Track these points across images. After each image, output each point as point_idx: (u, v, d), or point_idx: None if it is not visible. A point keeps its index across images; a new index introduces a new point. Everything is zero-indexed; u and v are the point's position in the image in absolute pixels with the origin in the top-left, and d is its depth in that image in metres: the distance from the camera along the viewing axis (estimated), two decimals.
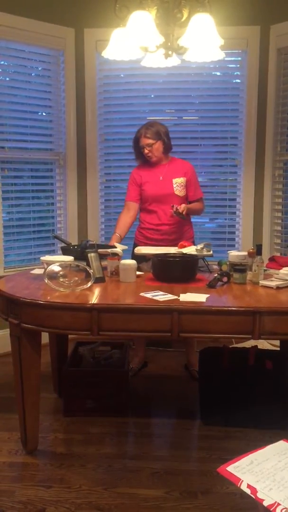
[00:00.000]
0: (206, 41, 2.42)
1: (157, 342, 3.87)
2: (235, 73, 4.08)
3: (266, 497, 1.14)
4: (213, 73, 4.07)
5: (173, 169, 3.28)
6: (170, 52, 2.56)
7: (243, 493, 1.23)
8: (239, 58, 3.97)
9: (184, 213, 3.03)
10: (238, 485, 1.20)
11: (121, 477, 2.25)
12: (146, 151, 3.21)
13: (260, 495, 1.16)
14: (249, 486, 1.19)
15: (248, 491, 1.18)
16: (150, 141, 3.17)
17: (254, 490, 1.17)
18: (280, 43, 3.80)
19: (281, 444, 1.38)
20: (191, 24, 2.38)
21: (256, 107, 3.93)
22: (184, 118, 4.08)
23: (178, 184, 3.23)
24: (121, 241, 3.20)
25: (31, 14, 3.69)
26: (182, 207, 3.04)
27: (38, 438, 2.47)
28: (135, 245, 3.25)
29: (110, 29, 2.61)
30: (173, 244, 3.09)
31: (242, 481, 1.21)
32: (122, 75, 4.09)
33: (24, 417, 2.38)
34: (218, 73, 4.10)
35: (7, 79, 3.80)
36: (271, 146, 3.94)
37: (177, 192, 3.20)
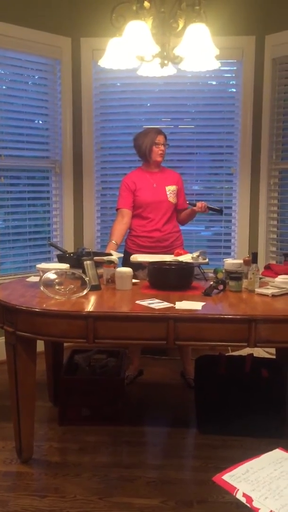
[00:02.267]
0: (201, 51, 2.44)
1: (152, 350, 3.86)
2: (231, 82, 4.11)
3: (262, 506, 1.14)
4: (209, 82, 4.10)
5: (166, 177, 3.34)
6: (166, 62, 2.58)
7: (239, 502, 1.22)
8: (235, 68, 4.00)
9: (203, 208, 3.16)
10: (234, 494, 1.19)
11: (116, 486, 2.23)
12: (162, 147, 3.25)
13: (255, 504, 1.15)
14: (244, 495, 1.18)
15: (243, 500, 1.17)
16: (165, 141, 3.29)
17: (249, 499, 1.17)
18: (275, 53, 3.83)
19: (276, 452, 1.37)
20: (187, 34, 2.40)
21: (251, 116, 3.96)
22: (180, 126, 4.10)
23: (171, 191, 3.29)
24: (117, 248, 3.21)
25: (28, 23, 3.71)
26: (200, 204, 3.17)
27: (33, 447, 2.45)
28: (127, 253, 3.25)
29: (107, 38, 2.63)
30: (165, 251, 3.13)
31: (238, 490, 1.20)
32: (118, 84, 4.11)
33: (19, 426, 2.37)
34: (214, 82, 4.13)
35: (4, 87, 3.82)
36: (266, 155, 3.96)
37: (170, 199, 3.27)
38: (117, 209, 3.36)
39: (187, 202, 3.32)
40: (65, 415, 2.80)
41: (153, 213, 3.27)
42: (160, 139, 3.25)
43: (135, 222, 3.33)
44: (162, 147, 3.26)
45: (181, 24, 2.49)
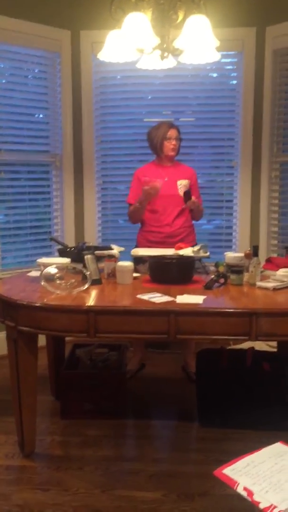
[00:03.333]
0: (201, 43, 2.43)
1: (155, 343, 3.87)
2: (232, 75, 4.09)
3: (263, 500, 1.14)
4: (209, 74, 4.07)
5: (178, 172, 3.30)
6: (165, 54, 2.56)
7: (240, 496, 1.22)
8: (235, 60, 3.97)
9: (192, 199, 3.09)
10: (235, 488, 1.20)
11: (118, 480, 2.24)
12: (173, 142, 3.21)
13: (256, 497, 1.15)
14: (245, 488, 1.18)
15: (244, 494, 1.18)
16: (178, 135, 3.23)
17: (250, 493, 1.17)
18: (276, 45, 3.80)
19: (277, 446, 1.37)
20: (187, 25, 2.38)
21: (252, 109, 3.93)
22: (181, 119, 4.08)
23: (182, 185, 3.23)
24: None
25: (27, 16, 3.69)
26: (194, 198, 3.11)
27: (35, 441, 2.46)
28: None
29: (106, 31, 2.61)
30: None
31: (239, 483, 1.20)
32: (118, 77, 4.09)
33: (21, 420, 2.37)
34: (214, 75, 4.10)
35: (4, 81, 3.80)
36: (267, 148, 3.94)
37: (181, 193, 3.21)
38: (127, 202, 3.35)
39: (183, 192, 3.19)
40: (67, 409, 2.81)
41: (163, 208, 3.22)
42: (172, 133, 3.21)
43: (146, 216, 3.30)
44: (173, 142, 3.21)
45: (180, 16, 2.47)
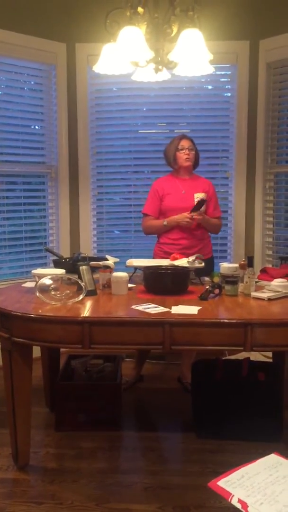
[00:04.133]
0: (195, 56, 2.45)
1: (151, 354, 3.85)
2: (226, 87, 4.13)
3: None
4: (204, 86, 4.11)
5: (196, 185, 3.31)
6: (160, 67, 2.59)
7: (236, 508, 1.22)
8: (229, 72, 4.01)
9: (198, 216, 3.11)
10: (229, 500, 1.19)
11: (113, 492, 2.22)
12: (187, 152, 3.23)
13: (251, 509, 1.15)
14: (240, 500, 1.18)
15: (239, 506, 1.17)
16: (191, 145, 3.25)
17: (245, 505, 1.16)
18: (269, 58, 3.85)
19: (272, 457, 1.37)
20: (181, 39, 2.41)
21: (246, 120, 3.97)
22: (175, 131, 4.09)
23: (199, 198, 3.22)
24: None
25: (23, 29, 3.72)
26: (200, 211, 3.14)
27: (29, 453, 2.44)
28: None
29: (101, 44, 2.63)
30: None
31: (233, 495, 1.20)
32: (114, 89, 4.12)
33: (15, 432, 2.36)
34: (209, 87, 4.15)
35: (0, 93, 3.82)
36: (261, 159, 3.97)
37: None
38: (142, 213, 3.37)
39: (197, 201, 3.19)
40: (62, 420, 2.79)
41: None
42: (184, 143, 3.23)
43: None
44: (186, 151, 3.22)
45: (175, 30, 2.50)
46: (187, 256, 2.99)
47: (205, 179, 3.43)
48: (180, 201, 3.21)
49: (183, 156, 3.24)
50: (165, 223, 3.23)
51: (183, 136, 3.29)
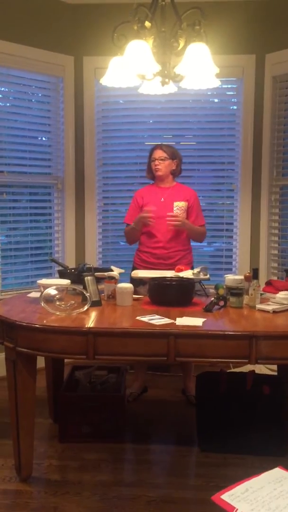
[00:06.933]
0: (201, 70, 2.47)
1: (155, 366, 3.84)
2: (232, 100, 4.16)
3: None
4: (210, 99, 4.14)
5: (176, 193, 3.31)
6: (166, 80, 2.61)
7: None
8: (236, 86, 4.04)
9: (177, 220, 3.11)
10: None
11: (116, 505, 2.21)
12: (156, 162, 3.26)
13: None
14: None
15: None
16: (164, 155, 3.27)
17: None
18: (275, 71, 3.88)
19: (276, 471, 1.35)
20: (187, 53, 2.43)
21: (252, 133, 3.99)
22: (181, 143, 4.12)
23: (178, 207, 3.24)
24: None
25: (32, 42, 3.78)
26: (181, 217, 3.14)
27: (33, 464, 2.42)
28: (134, 268, 3.25)
29: (109, 57, 2.66)
30: (170, 268, 3.05)
31: (237, 509, 1.18)
32: (121, 101, 4.16)
33: (18, 443, 2.35)
34: (215, 100, 4.18)
35: (8, 104, 3.87)
36: (267, 171, 3.98)
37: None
38: (124, 222, 3.42)
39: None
40: (66, 432, 2.78)
41: (157, 228, 3.21)
42: (155, 154, 3.27)
43: (142, 237, 3.32)
44: (156, 162, 3.26)
45: (181, 44, 2.52)
46: (165, 266, 3.08)
47: (188, 188, 3.41)
48: (158, 210, 3.20)
49: (154, 167, 3.29)
50: (133, 224, 3.26)
51: (156, 147, 3.32)
